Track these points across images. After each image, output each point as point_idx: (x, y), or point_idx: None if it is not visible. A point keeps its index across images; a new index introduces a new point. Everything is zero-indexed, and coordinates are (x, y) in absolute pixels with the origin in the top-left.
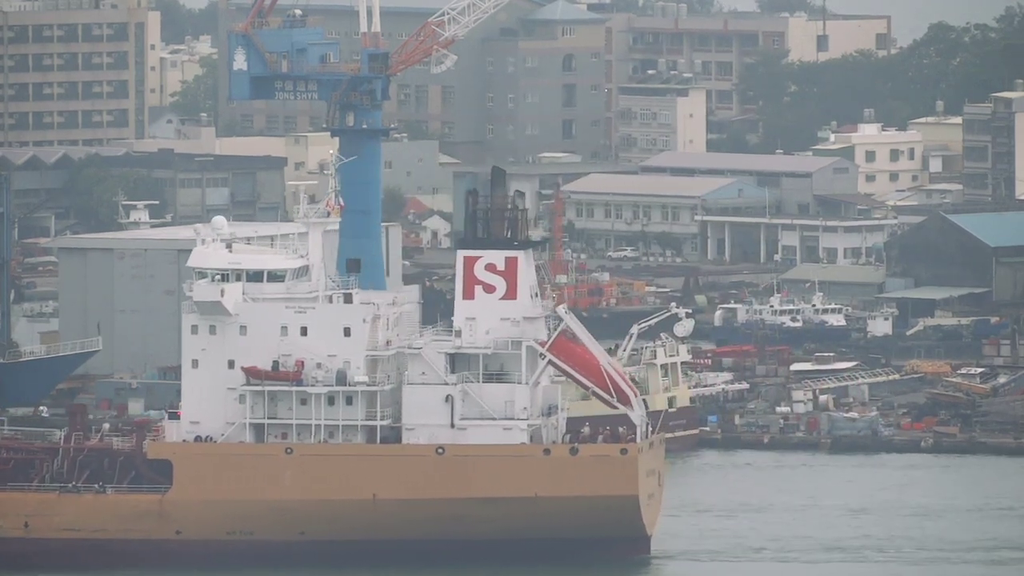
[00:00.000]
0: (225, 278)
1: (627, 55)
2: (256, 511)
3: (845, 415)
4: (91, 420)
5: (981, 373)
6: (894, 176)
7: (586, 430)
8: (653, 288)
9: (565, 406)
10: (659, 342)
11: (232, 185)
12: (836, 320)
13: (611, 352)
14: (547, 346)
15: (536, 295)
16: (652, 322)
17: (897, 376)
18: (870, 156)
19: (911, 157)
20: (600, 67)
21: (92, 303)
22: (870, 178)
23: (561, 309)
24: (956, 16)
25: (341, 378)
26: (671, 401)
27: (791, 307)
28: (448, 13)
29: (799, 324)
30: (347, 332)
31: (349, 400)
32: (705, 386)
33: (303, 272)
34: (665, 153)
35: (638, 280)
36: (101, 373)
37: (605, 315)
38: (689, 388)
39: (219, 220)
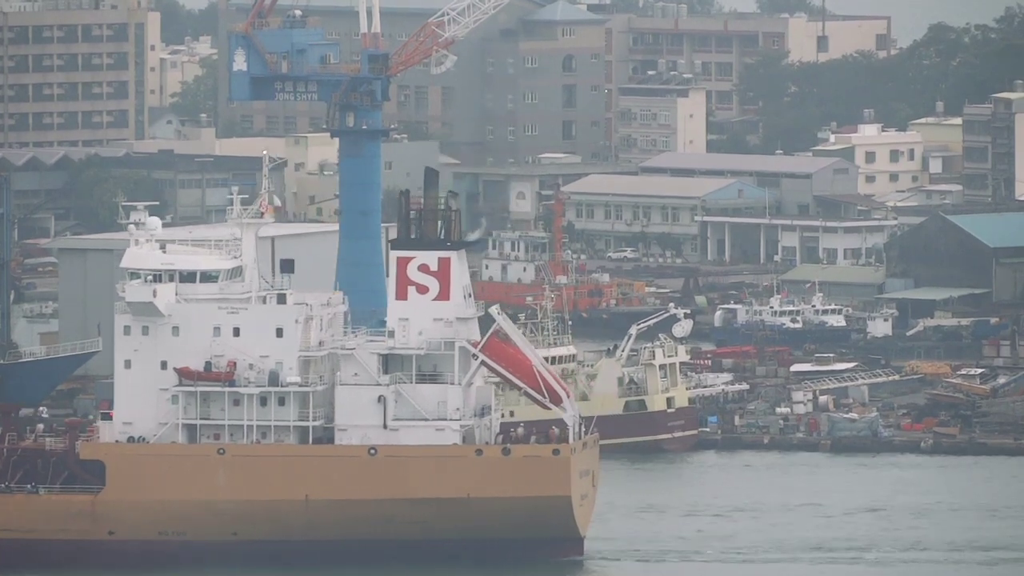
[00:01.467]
0: (158, 279)
1: (627, 55)
2: (189, 511)
3: (845, 416)
4: (27, 419)
5: (981, 374)
6: (894, 177)
7: (520, 431)
8: (653, 289)
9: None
10: (657, 343)
11: (232, 185)
12: (836, 321)
13: (609, 353)
14: (480, 347)
15: (469, 296)
16: (650, 323)
17: (897, 377)
18: (870, 157)
19: (911, 158)
20: (600, 67)
21: (92, 304)
22: (870, 179)
23: (494, 310)
24: (956, 16)
25: (273, 379)
26: (669, 402)
27: (791, 308)
28: (448, 14)
29: (799, 325)
30: (279, 333)
31: (282, 401)
32: (705, 387)
33: (237, 273)
34: (665, 154)
35: (638, 281)
36: (101, 374)
37: (605, 316)
38: (688, 389)
39: (153, 221)
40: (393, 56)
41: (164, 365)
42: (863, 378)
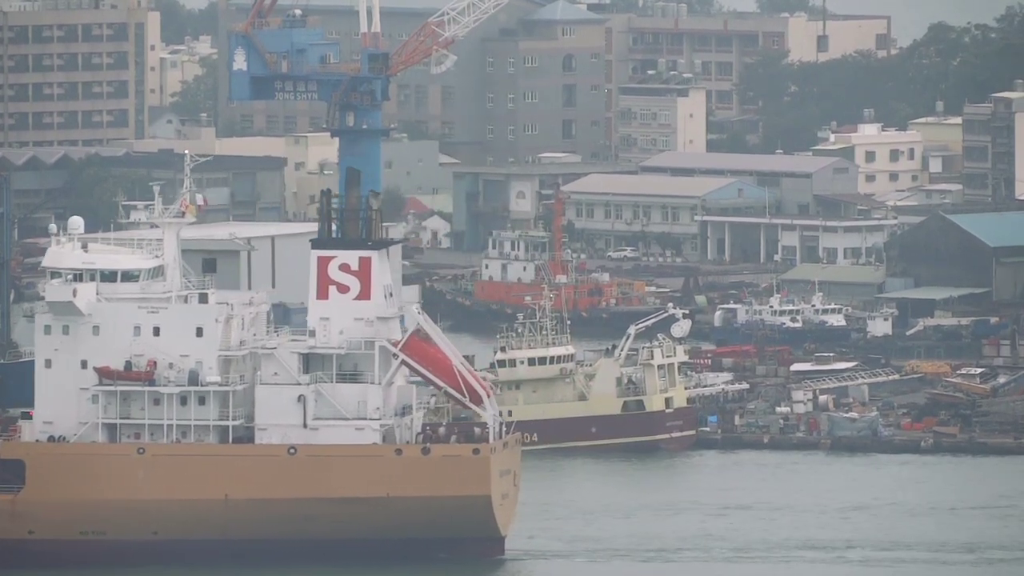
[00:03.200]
0: (79, 278)
1: (627, 55)
2: (109, 511)
3: (845, 415)
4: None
5: (981, 373)
6: (894, 176)
7: (442, 430)
8: (653, 288)
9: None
10: (656, 343)
11: (232, 185)
12: (836, 320)
13: (608, 353)
14: (400, 346)
15: (390, 295)
16: (649, 323)
17: (897, 376)
18: (870, 156)
19: (911, 157)
20: (600, 67)
21: None
22: (870, 178)
23: (414, 309)
24: (956, 16)
25: (193, 378)
26: (668, 402)
27: (791, 307)
28: (448, 13)
29: (799, 324)
30: (199, 332)
31: (202, 400)
32: (705, 386)
33: (158, 272)
34: (665, 153)
35: (638, 280)
36: None
37: (605, 315)
38: (686, 389)
39: (75, 220)
40: (393, 56)
41: (84, 364)
42: (863, 378)
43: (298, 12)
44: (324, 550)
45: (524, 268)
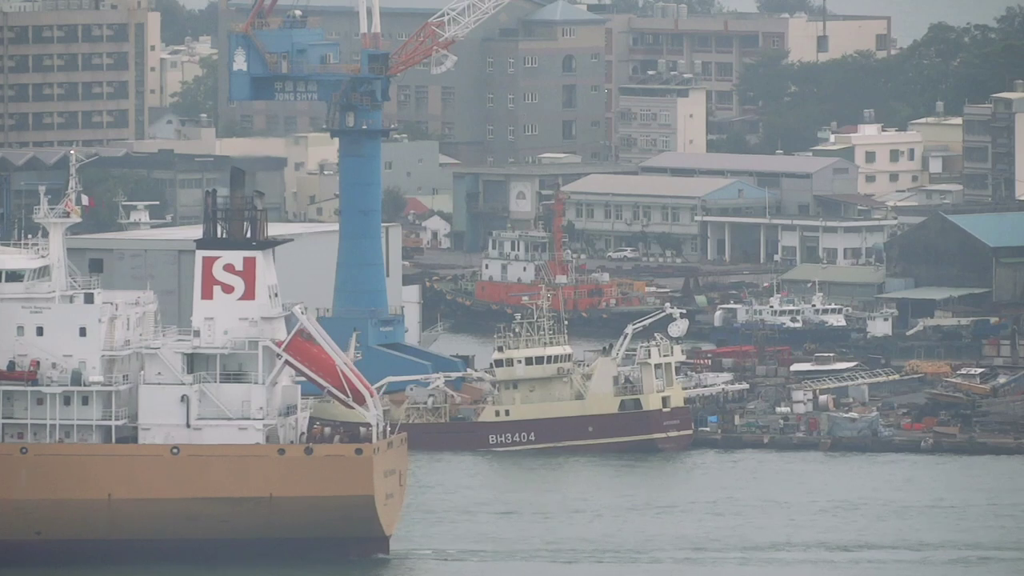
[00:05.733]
0: None
1: (627, 55)
2: None
3: (845, 415)
4: None
5: (981, 373)
6: (894, 177)
7: (327, 430)
8: (653, 289)
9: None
10: (653, 342)
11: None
12: (836, 320)
13: (605, 352)
14: (283, 346)
15: (275, 295)
16: (646, 322)
17: (897, 376)
18: (870, 157)
19: (911, 158)
20: (600, 67)
21: None
22: (870, 179)
23: (297, 309)
24: (956, 16)
25: (76, 378)
26: (665, 401)
27: (791, 307)
28: (448, 14)
29: (799, 324)
30: (83, 332)
31: (85, 400)
32: (705, 386)
33: (44, 272)
34: (665, 153)
35: (638, 281)
36: None
37: (605, 315)
38: (684, 388)
39: None
40: (393, 56)
41: None
42: (863, 378)
43: (298, 12)
44: (208, 550)
45: (524, 268)
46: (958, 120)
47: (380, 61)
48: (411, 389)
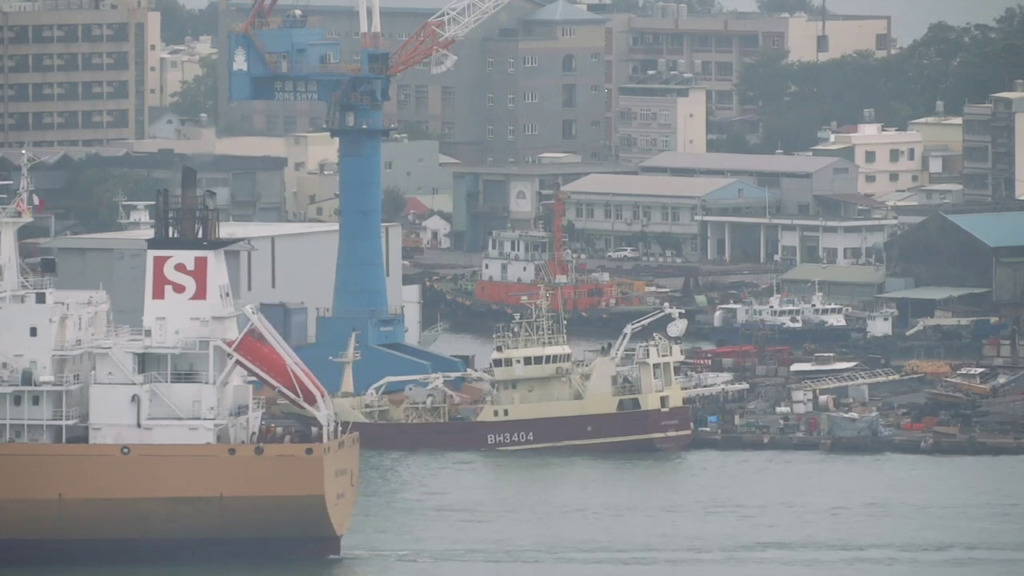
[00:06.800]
0: None
1: (627, 55)
2: None
3: (845, 415)
4: None
5: (981, 373)
6: (894, 176)
7: (278, 430)
8: (653, 288)
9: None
10: (652, 342)
11: (232, 185)
12: (836, 320)
13: (604, 351)
14: (234, 346)
15: (227, 295)
16: (645, 322)
17: (897, 376)
18: (870, 156)
19: (911, 157)
20: (600, 67)
21: None
22: (870, 178)
23: (248, 309)
24: (956, 16)
25: (27, 378)
26: (664, 401)
27: (791, 307)
28: (448, 13)
29: (799, 324)
30: (33, 332)
31: (35, 400)
32: (705, 386)
33: None
34: (665, 153)
35: (638, 280)
36: None
37: (605, 315)
38: (684, 388)
39: None
40: (393, 56)
41: None
42: (863, 378)
43: (298, 12)
44: (159, 550)
45: (524, 268)
46: (958, 120)
47: (380, 61)
48: (410, 389)
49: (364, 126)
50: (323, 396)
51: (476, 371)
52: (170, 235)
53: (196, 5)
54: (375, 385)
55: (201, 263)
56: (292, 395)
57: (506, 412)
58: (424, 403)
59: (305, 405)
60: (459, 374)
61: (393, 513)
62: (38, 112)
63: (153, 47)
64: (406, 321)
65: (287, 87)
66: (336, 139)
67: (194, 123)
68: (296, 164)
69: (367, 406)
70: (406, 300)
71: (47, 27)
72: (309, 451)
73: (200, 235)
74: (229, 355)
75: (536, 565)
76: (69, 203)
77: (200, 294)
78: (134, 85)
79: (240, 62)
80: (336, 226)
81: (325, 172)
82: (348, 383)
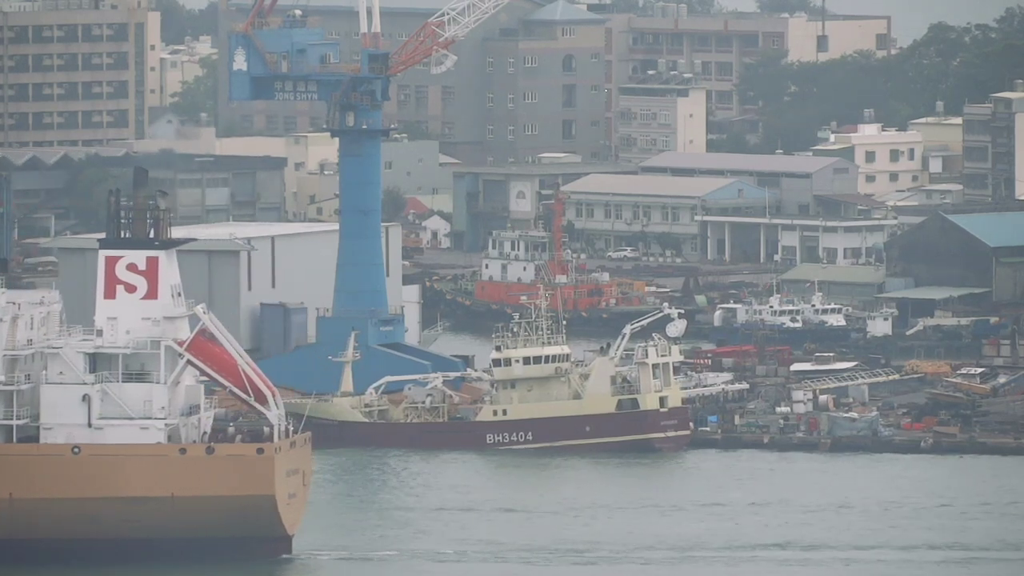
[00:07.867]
0: None
1: (627, 55)
2: None
3: (845, 415)
4: None
5: (981, 373)
6: (894, 176)
7: (230, 430)
8: (653, 288)
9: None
10: (651, 342)
11: (232, 185)
12: (836, 320)
13: (603, 351)
14: (185, 346)
15: (179, 295)
16: (644, 322)
17: (897, 376)
18: (870, 156)
19: (911, 157)
20: (600, 67)
21: (92, 303)
22: (870, 178)
23: (199, 309)
24: (956, 16)
25: None
26: (663, 401)
27: (791, 307)
28: (448, 13)
29: (799, 324)
30: None
31: None
32: (705, 386)
33: None
34: (665, 153)
35: (638, 280)
36: None
37: (605, 315)
38: (684, 388)
39: None
40: (393, 56)
41: None
42: (863, 377)
43: (298, 12)
44: (110, 550)
45: (524, 268)
46: (958, 120)
47: (380, 61)
48: (409, 389)
49: (364, 126)
50: (274, 396)
51: (476, 371)
52: (122, 235)
53: (196, 5)
54: (375, 385)
55: (152, 263)
56: (243, 395)
57: (505, 412)
58: (423, 403)
59: (256, 405)
60: (459, 374)
61: (394, 513)
62: (38, 112)
63: (153, 47)
64: (406, 321)
65: (287, 87)
66: (336, 139)
67: (194, 123)
68: (296, 164)
69: (367, 406)
70: (406, 300)
71: (47, 27)
72: (260, 451)
73: (152, 235)
74: (180, 355)
75: (536, 565)
76: (69, 203)
77: (152, 294)
78: (134, 85)
79: (240, 62)
80: (336, 226)
81: (325, 172)
82: (348, 383)
